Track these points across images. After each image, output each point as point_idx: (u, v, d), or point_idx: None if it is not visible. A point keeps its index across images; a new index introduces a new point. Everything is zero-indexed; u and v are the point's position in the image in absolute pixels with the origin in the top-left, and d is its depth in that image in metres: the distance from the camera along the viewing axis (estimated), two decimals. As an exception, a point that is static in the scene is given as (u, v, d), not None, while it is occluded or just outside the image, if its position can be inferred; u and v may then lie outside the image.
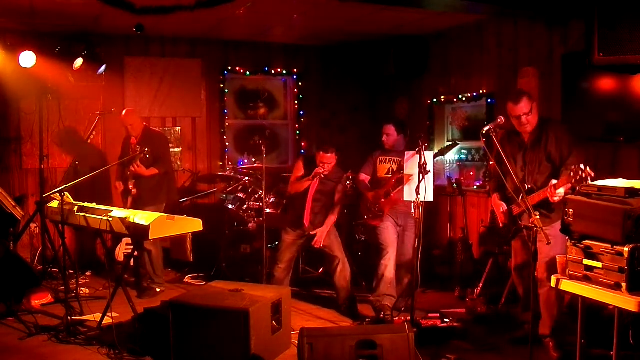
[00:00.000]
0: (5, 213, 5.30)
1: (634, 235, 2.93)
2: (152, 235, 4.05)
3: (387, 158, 5.18)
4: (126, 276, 5.55)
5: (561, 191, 3.78)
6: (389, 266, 5.00)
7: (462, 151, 6.71)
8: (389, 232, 5.07)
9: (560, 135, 4.06)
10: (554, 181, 3.84)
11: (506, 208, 4.25)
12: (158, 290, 5.65)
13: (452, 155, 6.73)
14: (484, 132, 3.78)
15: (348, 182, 6.52)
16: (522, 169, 4.15)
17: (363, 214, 5.32)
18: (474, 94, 6.35)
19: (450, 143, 5.41)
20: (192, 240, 6.26)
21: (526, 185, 4.05)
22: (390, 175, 5.10)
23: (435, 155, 5.32)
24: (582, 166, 3.53)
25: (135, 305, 4.49)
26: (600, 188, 3.22)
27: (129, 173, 5.49)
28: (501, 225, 4.32)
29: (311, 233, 5.11)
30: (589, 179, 3.50)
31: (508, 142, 4.24)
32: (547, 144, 4.05)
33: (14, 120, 6.59)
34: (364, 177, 5.30)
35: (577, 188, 3.44)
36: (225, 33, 6.93)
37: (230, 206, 6.23)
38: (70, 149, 6.67)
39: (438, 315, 4.66)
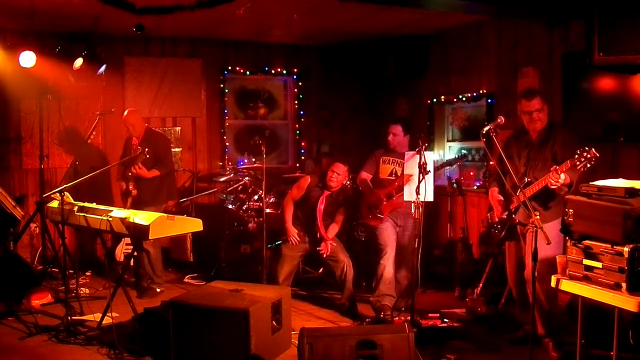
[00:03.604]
0: (5, 213, 5.30)
1: (634, 235, 2.93)
2: (152, 235, 4.05)
3: (390, 159, 5.18)
4: (126, 276, 5.56)
5: (563, 176, 3.73)
6: (387, 266, 5.00)
7: (462, 151, 6.71)
8: (387, 233, 5.07)
9: (568, 139, 4.07)
10: (556, 166, 3.79)
11: (502, 199, 4.25)
12: (158, 290, 5.65)
13: (452, 156, 6.73)
14: (484, 132, 3.79)
15: (348, 183, 6.54)
16: (524, 164, 4.16)
17: (362, 214, 5.32)
18: (474, 94, 6.35)
19: (459, 155, 5.41)
20: (192, 240, 6.29)
21: (526, 179, 4.06)
22: (393, 177, 5.10)
23: (443, 165, 5.32)
24: (586, 148, 3.54)
25: (135, 305, 4.49)
26: (600, 188, 3.22)
27: (130, 174, 5.49)
28: (496, 219, 4.32)
29: (319, 249, 5.17)
30: (593, 160, 3.50)
31: (515, 141, 4.29)
32: (554, 145, 4.06)
33: (14, 120, 6.59)
34: (366, 175, 5.30)
35: (582, 185, 3.42)
36: (225, 33, 6.93)
37: (230, 206, 6.23)
38: (70, 149, 6.67)
39: (438, 315, 4.66)
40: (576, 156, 3.59)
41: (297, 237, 5.22)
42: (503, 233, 4.29)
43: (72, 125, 6.75)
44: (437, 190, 5.72)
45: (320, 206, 5.23)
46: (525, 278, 4.08)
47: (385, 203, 5.06)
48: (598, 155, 3.53)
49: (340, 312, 5.16)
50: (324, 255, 5.17)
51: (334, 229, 5.28)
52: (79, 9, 5.55)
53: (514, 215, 4.15)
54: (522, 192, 3.77)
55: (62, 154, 6.74)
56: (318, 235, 5.22)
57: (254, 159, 7.17)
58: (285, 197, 5.52)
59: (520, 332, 4.35)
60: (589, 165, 3.56)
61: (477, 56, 6.32)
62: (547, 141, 4.10)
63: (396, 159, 5.14)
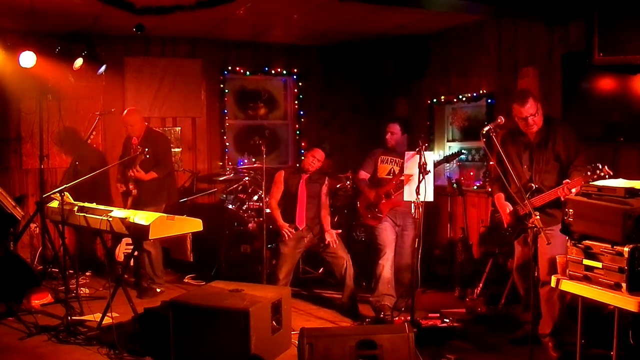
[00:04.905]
0: (5, 213, 5.29)
1: (634, 235, 2.93)
2: (152, 235, 4.04)
3: (389, 158, 5.18)
4: (126, 276, 5.56)
5: (574, 191, 3.73)
6: (386, 266, 5.00)
7: (462, 151, 6.70)
8: (387, 233, 5.07)
9: (567, 135, 4.04)
10: (568, 180, 3.81)
11: (512, 208, 4.21)
12: (158, 290, 5.65)
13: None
14: (484, 132, 3.77)
15: (348, 182, 6.55)
16: (528, 168, 4.12)
17: (361, 214, 5.32)
18: (474, 94, 6.35)
19: (456, 151, 5.41)
20: (192, 240, 6.28)
21: (533, 185, 4.05)
22: (391, 177, 5.10)
23: (440, 162, 5.31)
24: (599, 165, 3.53)
25: (135, 305, 4.49)
26: (600, 188, 3.22)
27: (129, 175, 5.49)
28: (505, 225, 4.30)
29: (327, 242, 5.15)
30: (607, 177, 3.50)
31: (512, 142, 4.22)
32: (555, 145, 4.03)
33: (14, 120, 6.59)
34: (364, 174, 5.30)
35: (582, 185, 3.43)
36: (225, 33, 6.93)
37: (230, 206, 6.23)
38: (70, 149, 6.67)
39: (438, 315, 4.66)
40: (589, 173, 3.57)
41: (290, 229, 5.20)
42: (514, 236, 4.28)
43: (72, 125, 6.75)
44: (437, 190, 5.72)
45: (303, 191, 5.24)
46: (538, 278, 4.06)
47: (384, 202, 5.06)
48: (611, 172, 3.52)
49: (341, 312, 5.16)
50: (333, 245, 5.14)
51: (326, 218, 5.27)
52: (79, 9, 5.55)
53: (525, 221, 4.12)
54: (530, 201, 3.70)
55: (62, 154, 6.75)
56: (297, 223, 5.21)
57: (254, 159, 7.18)
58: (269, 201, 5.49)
59: (520, 332, 4.35)
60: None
61: (477, 56, 6.32)
62: (546, 141, 4.07)
63: (395, 159, 5.14)
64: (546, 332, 4.08)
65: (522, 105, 3.98)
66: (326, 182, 5.40)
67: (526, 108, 3.98)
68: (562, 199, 3.80)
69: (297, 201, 5.23)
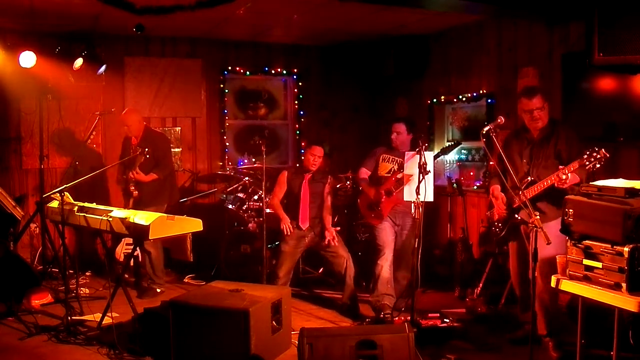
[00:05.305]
0: (5, 213, 5.30)
1: (634, 235, 2.93)
2: (152, 235, 4.04)
3: (390, 157, 5.19)
4: (126, 276, 5.56)
5: (569, 175, 3.74)
6: (385, 266, 5.00)
7: (462, 151, 6.71)
8: (386, 233, 5.07)
9: (570, 136, 4.07)
10: (562, 166, 3.81)
11: (504, 197, 4.25)
12: (158, 290, 5.65)
13: (452, 155, 6.73)
14: (484, 132, 3.79)
15: (348, 182, 6.55)
16: (527, 162, 4.15)
17: (363, 213, 5.32)
18: (474, 94, 6.35)
19: (453, 142, 5.41)
20: (192, 240, 6.28)
21: (529, 178, 4.06)
22: (390, 175, 5.10)
23: (438, 155, 5.32)
24: (596, 148, 3.54)
25: (135, 305, 4.49)
26: (600, 188, 3.22)
27: (129, 178, 5.48)
28: (497, 217, 4.31)
29: (327, 241, 5.15)
30: (603, 159, 3.50)
31: (516, 139, 4.27)
32: (558, 142, 4.06)
33: (14, 120, 6.59)
34: (365, 172, 5.29)
35: (582, 185, 3.43)
36: (225, 33, 6.93)
37: (230, 206, 6.23)
38: (69, 149, 6.67)
39: (438, 315, 4.66)
40: (585, 156, 3.59)
41: (290, 225, 5.20)
42: (504, 232, 4.29)
43: (72, 125, 6.75)
44: (437, 190, 5.72)
45: (306, 191, 5.26)
46: (531, 278, 4.07)
47: (384, 199, 5.06)
48: (608, 155, 3.53)
49: (341, 311, 5.16)
50: (334, 243, 5.14)
51: (327, 218, 5.28)
52: (79, 9, 5.55)
53: (517, 215, 4.14)
54: (523, 192, 3.76)
55: (62, 155, 6.75)
56: (300, 222, 5.21)
57: (254, 159, 7.18)
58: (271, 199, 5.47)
59: (520, 332, 4.35)
60: (598, 165, 3.57)
61: (477, 56, 6.33)
62: (549, 138, 4.10)
63: (396, 158, 5.14)
64: (543, 333, 4.08)
65: (529, 98, 4.06)
66: (329, 181, 5.41)
67: (533, 101, 4.05)
68: (556, 185, 3.81)
69: (300, 201, 5.24)
